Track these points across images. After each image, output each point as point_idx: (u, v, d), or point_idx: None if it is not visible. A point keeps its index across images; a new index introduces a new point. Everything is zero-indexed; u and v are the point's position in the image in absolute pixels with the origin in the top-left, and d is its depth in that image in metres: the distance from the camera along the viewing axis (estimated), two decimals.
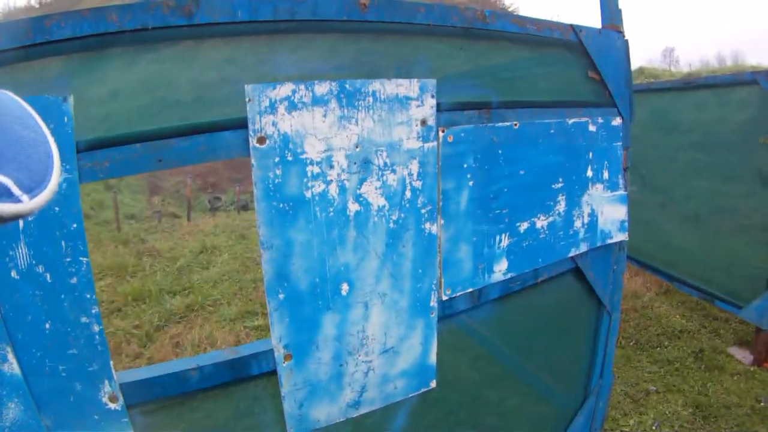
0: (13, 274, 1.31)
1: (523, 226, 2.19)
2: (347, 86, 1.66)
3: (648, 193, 6.30)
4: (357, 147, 1.70)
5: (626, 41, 2.50)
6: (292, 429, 1.78)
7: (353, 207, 1.72)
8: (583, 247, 2.46)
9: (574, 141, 2.31)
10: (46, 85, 1.38)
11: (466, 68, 2.05)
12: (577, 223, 2.39)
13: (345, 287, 1.77)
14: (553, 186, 2.27)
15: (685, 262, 5.80)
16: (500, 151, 2.06)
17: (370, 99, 1.70)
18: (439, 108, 1.87)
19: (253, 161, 1.56)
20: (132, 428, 1.53)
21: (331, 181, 1.67)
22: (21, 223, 1.30)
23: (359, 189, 1.72)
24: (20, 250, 1.31)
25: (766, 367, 4.77)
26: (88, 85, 1.44)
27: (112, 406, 1.48)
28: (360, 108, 1.68)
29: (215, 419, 1.74)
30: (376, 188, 1.75)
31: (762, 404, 4.23)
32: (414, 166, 1.82)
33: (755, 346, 4.89)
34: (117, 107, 1.50)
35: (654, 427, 3.98)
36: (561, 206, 2.31)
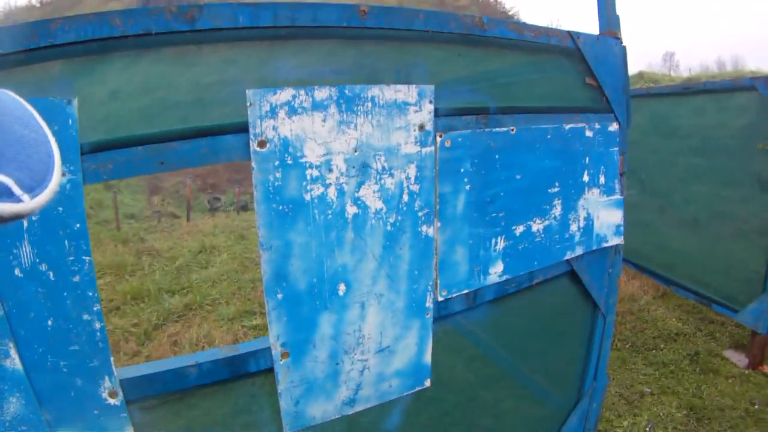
0: (17, 272, 1.34)
1: (519, 229, 2.22)
2: (346, 92, 1.68)
3: (647, 197, 6.33)
4: (356, 151, 1.73)
5: (624, 47, 2.52)
6: (288, 425, 1.81)
7: (351, 210, 1.75)
8: (579, 251, 2.48)
9: (570, 146, 2.33)
10: (50, 87, 1.40)
11: (464, 74, 2.07)
12: (573, 227, 2.42)
13: (342, 288, 1.80)
14: (550, 190, 2.30)
15: (683, 265, 5.82)
16: (497, 156, 2.09)
17: (369, 104, 1.73)
18: (437, 113, 1.90)
19: (253, 165, 1.59)
20: (131, 423, 1.55)
21: (330, 184, 1.70)
22: (25, 222, 1.33)
23: (357, 192, 1.75)
24: (24, 249, 1.34)
25: (761, 370, 4.79)
26: (92, 87, 1.46)
27: (111, 401, 1.51)
28: (359, 113, 1.71)
29: (213, 416, 1.76)
30: (374, 192, 1.78)
31: (756, 407, 4.25)
32: (412, 170, 1.85)
33: (750, 350, 4.92)
34: (120, 110, 1.52)
35: (648, 429, 4.01)
36: (557, 210, 2.34)
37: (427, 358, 2.07)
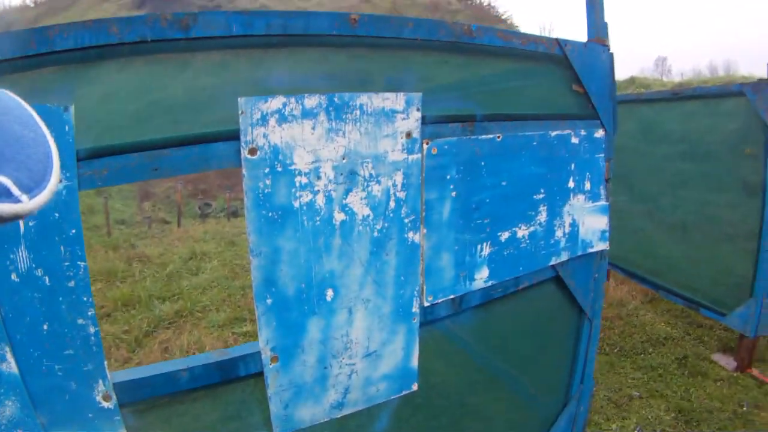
0: (14, 276, 1.35)
1: (505, 235, 2.25)
2: (335, 99, 1.71)
3: (636, 202, 6.37)
4: (344, 159, 1.75)
5: (611, 54, 2.55)
6: (278, 429, 1.83)
7: (339, 216, 1.78)
8: (564, 256, 2.51)
9: (556, 153, 2.36)
10: (47, 94, 1.42)
11: (452, 81, 2.11)
12: (558, 233, 2.45)
13: (330, 293, 1.82)
14: (535, 197, 2.33)
15: (671, 270, 5.87)
16: (483, 163, 2.12)
17: (358, 112, 1.75)
18: (424, 121, 1.92)
19: (244, 172, 1.61)
20: (124, 427, 1.57)
21: (319, 191, 1.72)
22: (22, 227, 1.35)
23: (345, 199, 1.78)
24: (21, 254, 1.35)
25: (749, 373, 4.84)
26: (88, 94, 1.48)
27: (105, 404, 1.52)
28: (347, 121, 1.74)
29: (204, 419, 1.78)
30: (361, 198, 1.81)
31: (744, 409, 4.29)
32: (398, 178, 1.87)
33: (738, 353, 4.96)
34: (115, 117, 1.54)
35: (636, 431, 4.05)
36: (542, 216, 2.37)
37: (414, 362, 2.09)
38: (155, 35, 1.51)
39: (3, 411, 1.39)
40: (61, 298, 1.42)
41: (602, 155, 2.55)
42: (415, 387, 2.13)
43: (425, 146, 1.93)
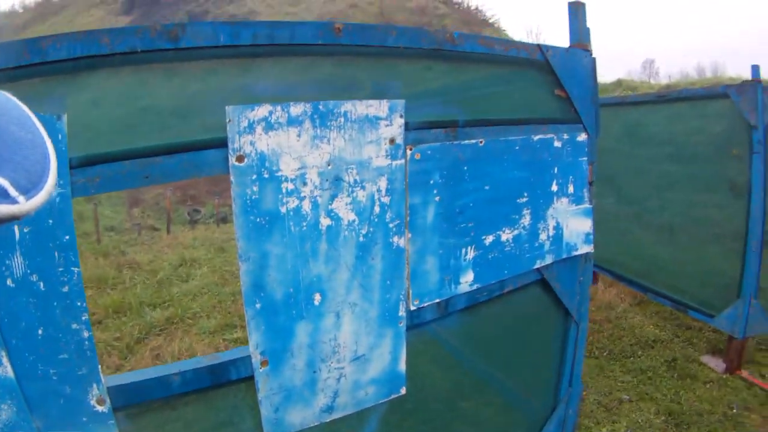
0: (9, 282, 1.38)
1: (489, 239, 2.28)
2: (320, 107, 1.74)
3: (623, 205, 6.42)
4: (329, 165, 1.78)
5: (593, 59, 2.59)
6: None
7: (325, 222, 1.81)
8: (549, 259, 2.54)
9: (539, 156, 2.40)
10: (40, 103, 1.45)
11: (435, 88, 2.14)
12: (543, 236, 2.48)
13: (318, 297, 1.85)
14: (518, 200, 2.36)
15: (659, 272, 5.90)
16: (466, 168, 2.15)
17: (342, 119, 1.79)
18: (408, 127, 1.95)
19: (232, 178, 1.64)
20: (118, 430, 1.58)
21: (305, 197, 1.75)
22: (17, 234, 1.38)
23: (331, 205, 1.81)
24: (16, 260, 1.38)
25: (739, 375, 4.86)
26: (80, 103, 1.52)
27: (99, 408, 1.54)
28: (332, 128, 1.77)
29: (197, 425, 1.81)
30: (346, 204, 1.84)
31: (734, 411, 4.32)
32: (383, 183, 1.91)
33: (727, 354, 4.99)
34: (106, 125, 1.57)
35: None
36: (526, 220, 2.40)
37: (402, 366, 2.12)
38: (145, 46, 1.54)
39: None
40: (55, 303, 1.45)
41: (585, 158, 2.59)
42: (403, 391, 2.15)
43: (409, 152, 1.97)
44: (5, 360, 1.39)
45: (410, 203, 2.01)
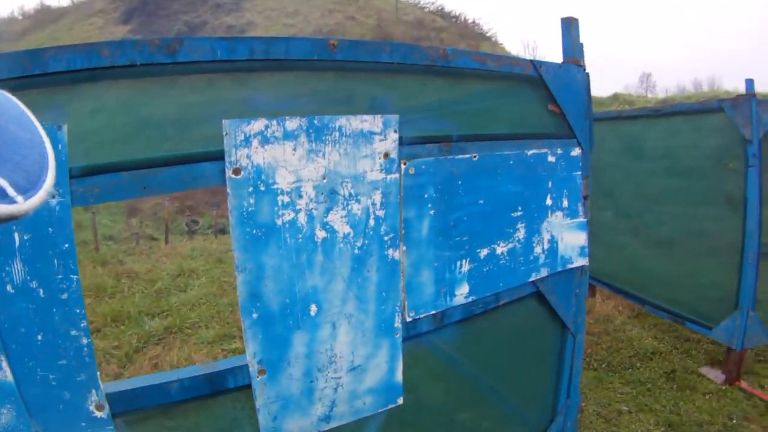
0: (9, 288, 1.40)
1: (483, 252, 2.30)
2: (315, 122, 1.78)
3: (621, 218, 6.43)
4: (324, 178, 1.81)
5: (586, 74, 2.62)
6: None
7: (320, 234, 1.84)
8: (544, 272, 2.56)
9: (533, 171, 2.42)
10: (41, 113, 1.48)
11: (429, 103, 2.16)
12: (537, 249, 2.51)
13: (314, 308, 1.87)
14: (513, 214, 2.38)
15: (657, 285, 5.89)
16: (460, 182, 2.18)
17: (337, 134, 1.82)
18: (402, 141, 1.99)
19: (228, 191, 1.67)
20: None
21: (300, 209, 1.78)
22: (18, 241, 1.41)
23: (326, 217, 1.84)
24: (16, 267, 1.41)
25: (738, 386, 4.84)
26: (80, 114, 1.55)
27: (98, 414, 1.56)
28: (327, 142, 1.80)
29: (195, 431, 1.83)
30: (341, 217, 1.87)
31: (734, 422, 4.30)
32: (377, 197, 1.93)
33: (726, 366, 4.97)
34: (106, 136, 1.60)
35: None
36: (520, 233, 2.42)
37: (399, 376, 2.13)
38: (144, 59, 1.58)
39: None
40: (54, 310, 1.48)
41: (579, 173, 2.61)
42: (400, 401, 2.17)
43: (403, 166, 2.00)
44: (5, 365, 1.42)
45: (405, 217, 2.04)
